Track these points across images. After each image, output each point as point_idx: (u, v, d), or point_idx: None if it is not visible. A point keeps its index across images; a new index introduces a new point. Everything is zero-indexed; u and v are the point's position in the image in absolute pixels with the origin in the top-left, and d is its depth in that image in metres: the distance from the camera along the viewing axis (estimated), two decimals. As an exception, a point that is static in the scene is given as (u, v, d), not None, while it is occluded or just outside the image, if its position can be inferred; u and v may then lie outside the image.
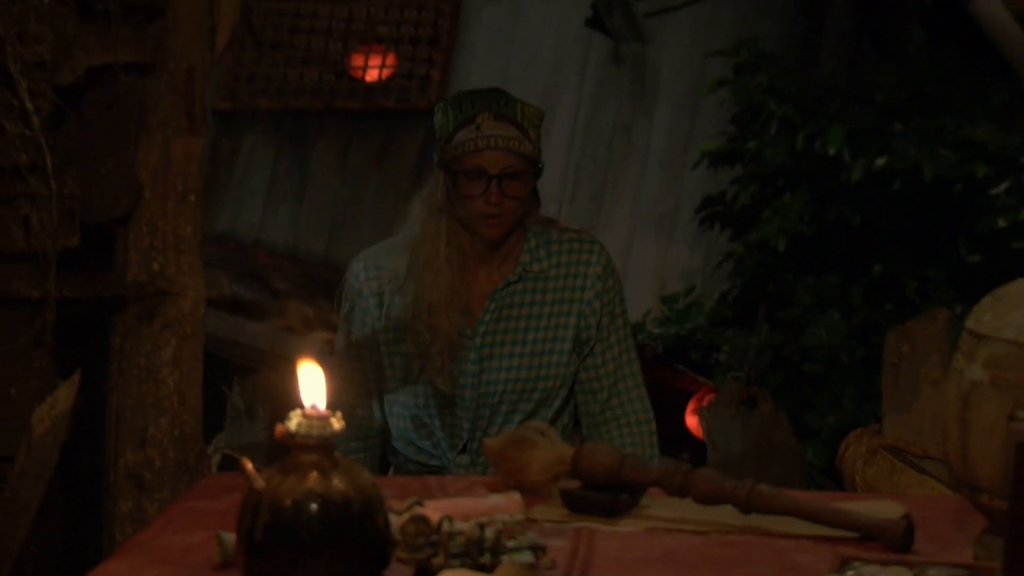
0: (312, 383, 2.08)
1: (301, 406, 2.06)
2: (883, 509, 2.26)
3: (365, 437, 3.49)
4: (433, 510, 2.08)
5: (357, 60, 6.53)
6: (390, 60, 6.51)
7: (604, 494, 2.32)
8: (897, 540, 2.16)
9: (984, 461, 2.03)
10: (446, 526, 2.03)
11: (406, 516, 2.04)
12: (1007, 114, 5.33)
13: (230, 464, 4.34)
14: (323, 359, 3.02)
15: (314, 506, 1.99)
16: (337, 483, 2.01)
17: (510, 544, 2.06)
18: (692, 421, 5.39)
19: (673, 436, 5.25)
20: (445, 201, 3.36)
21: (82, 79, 3.05)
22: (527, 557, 2.06)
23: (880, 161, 5.17)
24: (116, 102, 3.14)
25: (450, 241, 3.36)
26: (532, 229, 3.43)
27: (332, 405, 3.03)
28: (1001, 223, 4.96)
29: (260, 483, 2.02)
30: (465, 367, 3.36)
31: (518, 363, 3.39)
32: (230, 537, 2.08)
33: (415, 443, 3.42)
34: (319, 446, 2.02)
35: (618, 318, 3.47)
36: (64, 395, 2.97)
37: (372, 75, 6.48)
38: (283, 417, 2.06)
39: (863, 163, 5.18)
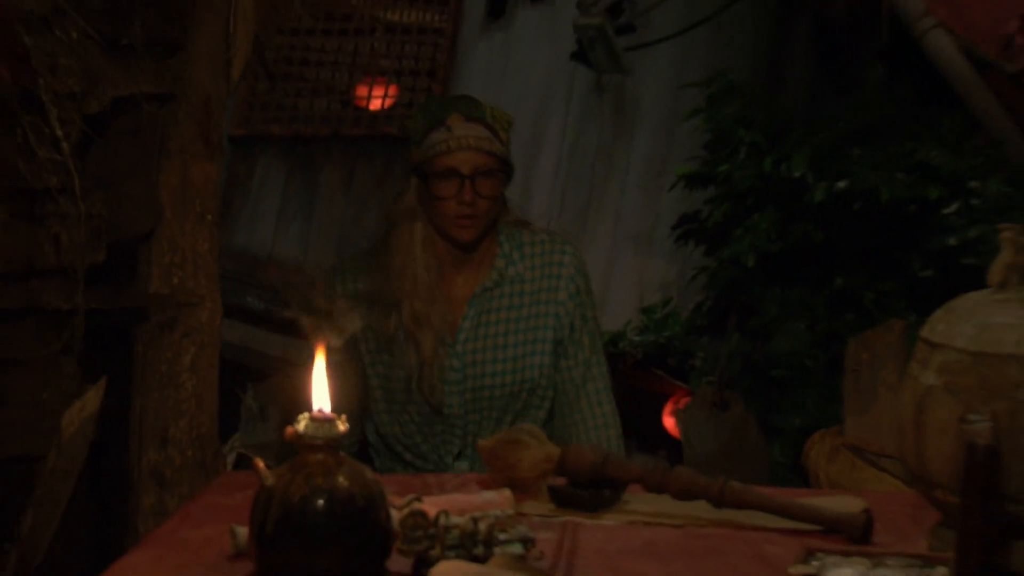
0: (317, 393, 2.08)
1: (309, 410, 2.06)
2: (845, 504, 2.26)
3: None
4: (430, 505, 2.07)
5: (361, 90, 6.53)
6: (392, 90, 6.50)
7: (588, 490, 2.32)
8: (858, 532, 2.16)
9: (938, 460, 2.02)
10: (442, 520, 2.02)
11: (405, 511, 2.03)
12: (957, 141, 5.35)
13: (244, 463, 4.33)
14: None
15: (321, 502, 1.99)
16: (342, 480, 2.01)
17: (502, 537, 2.06)
18: (669, 422, 5.38)
19: (651, 436, 5.26)
20: (418, 206, 3.21)
21: (108, 108, 3.05)
22: (517, 549, 2.06)
23: (841, 184, 5.18)
24: (139, 129, 3.13)
25: (426, 247, 3.21)
26: (504, 232, 3.28)
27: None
28: (952, 241, 4.99)
29: (270, 480, 2.02)
30: (449, 376, 3.22)
31: (502, 368, 3.24)
32: (243, 530, 2.08)
33: (402, 456, 3.28)
34: (325, 446, 2.03)
35: (589, 320, 3.33)
36: (91, 399, 2.97)
37: (375, 104, 6.47)
38: (292, 420, 2.06)
39: (825, 185, 5.19)
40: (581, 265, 3.33)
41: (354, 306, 3.01)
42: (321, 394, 2.06)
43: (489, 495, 2.30)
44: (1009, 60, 5.43)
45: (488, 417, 3.24)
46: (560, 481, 2.35)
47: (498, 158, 3.17)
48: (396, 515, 2.05)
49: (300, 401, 2.11)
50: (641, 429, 3.35)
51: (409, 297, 3.17)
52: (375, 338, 3.22)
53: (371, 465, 3.31)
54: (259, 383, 5.13)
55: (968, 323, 2.05)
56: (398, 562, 2.04)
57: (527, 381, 3.24)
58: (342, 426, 2.03)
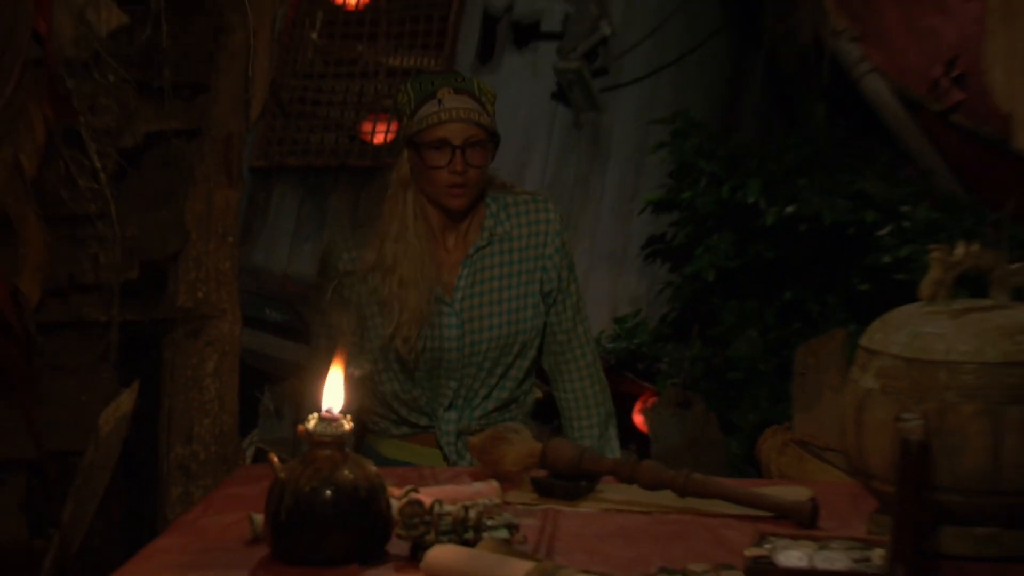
0: (328, 396, 2.07)
1: (319, 410, 2.05)
2: (793, 493, 2.25)
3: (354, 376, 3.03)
4: (426, 495, 2.06)
5: (366, 127, 6.52)
6: (393, 126, 6.46)
7: (567, 481, 2.31)
8: (805, 518, 2.15)
9: (875, 454, 2.02)
10: (437, 508, 2.01)
11: (404, 500, 2.02)
12: (890, 171, 5.39)
13: (262, 456, 4.32)
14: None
15: (328, 492, 1.98)
16: (347, 473, 2.00)
17: (489, 523, 2.05)
18: (639, 419, 5.37)
19: (622, 431, 5.23)
20: (411, 177, 3.02)
21: (141, 142, 3.05)
22: (503, 534, 2.05)
23: (789, 208, 5.19)
24: (168, 161, 3.13)
25: (417, 215, 3.02)
26: (489, 195, 3.10)
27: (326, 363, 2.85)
28: (886, 259, 5.00)
29: (283, 473, 2.01)
30: (448, 332, 3.02)
31: (498, 321, 3.05)
32: (259, 517, 2.07)
33: (398, 411, 3.07)
34: (332, 443, 2.02)
35: (573, 271, 3.16)
36: (125, 400, 2.96)
37: (378, 138, 6.47)
38: (304, 419, 2.05)
39: (775, 210, 5.20)
40: (562, 221, 3.17)
41: (353, 273, 3.02)
42: (330, 397, 2.05)
43: (478, 486, 2.29)
44: (936, 100, 5.44)
45: (481, 368, 3.06)
46: (541, 473, 2.33)
47: (486, 129, 2.99)
48: (395, 504, 2.03)
49: (311, 402, 2.10)
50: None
51: (400, 262, 2.99)
52: (373, 301, 3.04)
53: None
54: (275, 386, 5.13)
55: (902, 333, 2.04)
56: (397, 546, 2.02)
57: (521, 333, 3.07)
58: (347, 425, 2.02)
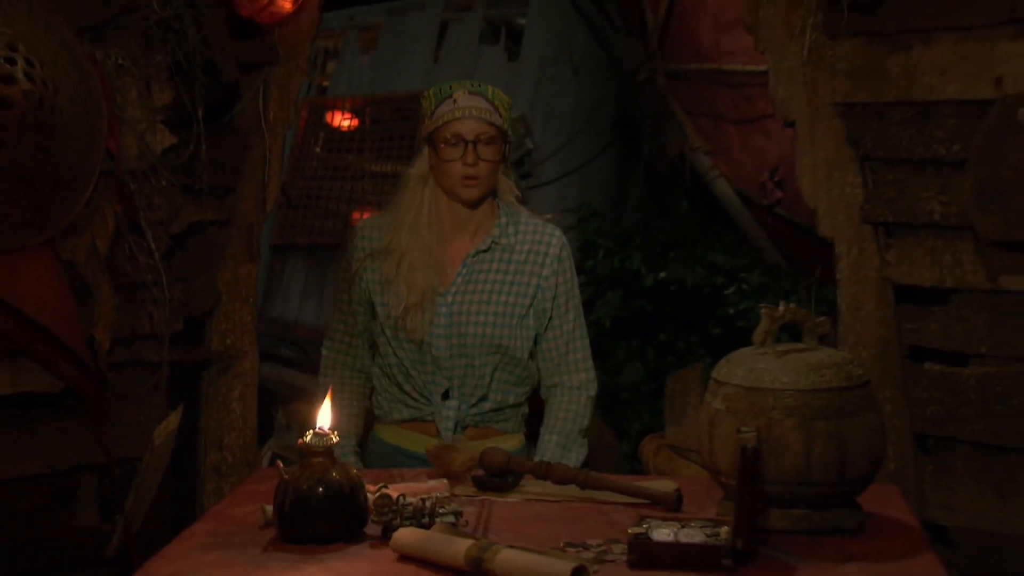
0: (321, 417, 2.03)
1: (314, 427, 2.01)
2: (664, 485, 2.23)
3: (360, 369, 2.71)
4: (393, 490, 2.02)
5: (356, 215, 6.50)
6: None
7: (498, 478, 2.27)
8: (672, 504, 2.13)
9: (723, 456, 2.01)
10: (401, 500, 1.98)
11: (376, 494, 1.98)
12: (733, 247, 5.42)
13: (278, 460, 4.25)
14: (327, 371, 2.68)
15: (320, 489, 1.95)
16: (335, 475, 1.96)
17: (441, 511, 2.02)
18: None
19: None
20: (429, 172, 2.58)
21: (185, 230, 3.02)
22: (451, 519, 2.02)
23: (662, 274, 5.21)
24: (206, 244, 3.11)
25: (431, 209, 2.58)
26: (503, 208, 2.65)
27: (335, 333, 2.68)
28: (731, 311, 5.02)
29: (287, 475, 1.97)
30: (439, 320, 2.57)
31: (484, 320, 2.57)
32: (269, 508, 2.02)
33: (401, 400, 2.64)
34: (324, 452, 1.98)
35: (573, 298, 2.67)
36: (173, 420, 2.92)
37: (365, 224, 6.45)
38: (303, 434, 2.01)
39: (653, 275, 5.21)
40: (567, 248, 2.68)
41: (372, 255, 2.64)
42: (321, 420, 2.01)
43: (433, 483, 2.25)
44: (763, 197, 5.51)
45: (471, 365, 2.59)
46: (480, 472, 2.30)
47: (497, 128, 2.55)
48: (370, 497, 2.00)
49: (311, 420, 2.06)
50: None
51: (412, 249, 2.57)
52: (382, 279, 2.61)
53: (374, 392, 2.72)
54: (287, 406, 5.06)
55: (741, 368, 2.04)
56: (372, 529, 1.99)
57: (505, 338, 2.58)
58: (335, 438, 1.98)
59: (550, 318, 2.65)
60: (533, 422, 2.77)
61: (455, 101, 2.54)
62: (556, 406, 2.70)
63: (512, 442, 2.69)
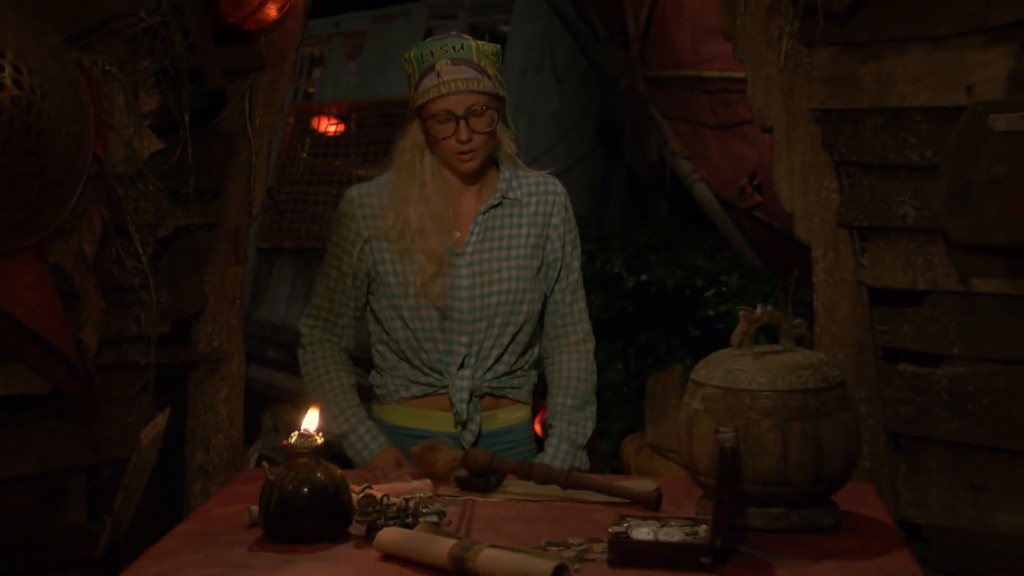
0: (307, 419, 2.02)
1: (299, 430, 2.00)
2: (644, 484, 2.23)
3: (344, 348, 2.53)
4: (377, 490, 2.01)
5: (342, 219, 6.49)
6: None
7: (481, 479, 2.27)
8: (652, 503, 2.12)
9: (702, 456, 2.00)
10: (385, 500, 1.96)
11: (361, 494, 1.97)
12: (713, 250, 5.43)
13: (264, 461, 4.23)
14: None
15: (305, 489, 1.93)
16: (320, 475, 1.95)
17: (424, 511, 2.01)
18: (539, 428, 5.33)
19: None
20: (424, 140, 2.40)
21: (172, 233, 3.01)
22: (434, 519, 2.01)
23: (643, 276, 5.21)
24: (192, 247, 3.10)
25: (435, 173, 2.40)
26: (504, 163, 2.48)
27: (319, 311, 2.49)
28: (711, 313, 5.02)
29: (273, 476, 1.95)
30: (460, 282, 2.41)
31: (507, 275, 2.43)
32: (255, 508, 2.01)
33: (410, 371, 2.47)
34: (309, 453, 1.97)
35: (577, 247, 2.54)
36: (160, 421, 2.90)
37: (351, 227, 6.43)
38: (289, 435, 2.00)
39: (634, 278, 5.21)
40: (568, 197, 2.55)
41: (370, 226, 2.44)
42: (307, 422, 2.00)
43: (416, 483, 2.24)
44: (742, 201, 5.52)
45: (492, 325, 2.43)
46: (463, 473, 2.29)
47: (487, 95, 2.34)
48: (355, 497, 1.99)
49: (296, 422, 2.05)
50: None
51: (423, 218, 2.38)
52: (389, 251, 2.42)
53: (376, 368, 2.53)
54: (274, 408, 5.04)
55: (719, 369, 2.03)
56: (356, 528, 1.98)
57: (528, 291, 2.45)
58: (319, 440, 1.97)
59: (560, 268, 2.52)
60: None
61: (439, 75, 2.33)
62: (565, 365, 2.59)
63: (522, 412, 2.61)
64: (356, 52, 6.86)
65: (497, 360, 2.50)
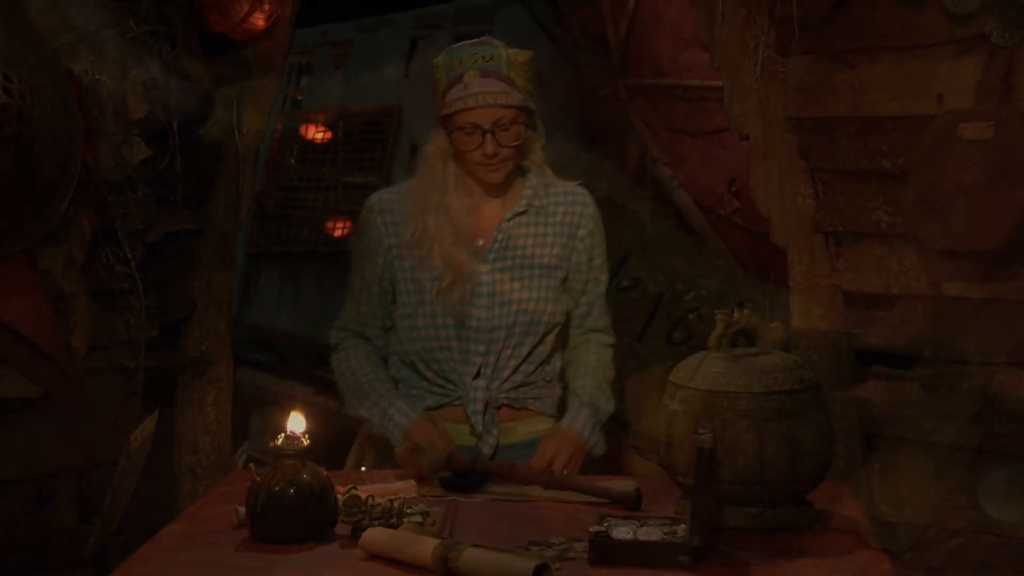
0: (293, 422, 2.02)
1: (285, 432, 2.00)
2: (624, 484, 2.23)
3: (377, 349, 2.45)
4: (362, 491, 2.01)
5: (329, 224, 6.46)
6: (348, 224, 6.44)
7: (464, 479, 2.26)
8: (632, 503, 2.13)
9: (680, 457, 2.01)
10: (370, 501, 1.96)
11: (346, 495, 1.97)
12: (693, 255, 5.42)
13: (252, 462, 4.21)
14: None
15: (291, 491, 1.93)
16: (305, 476, 1.95)
17: (408, 511, 2.01)
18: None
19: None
20: (449, 148, 2.30)
21: (160, 239, 3.00)
22: (418, 519, 2.01)
23: (625, 282, 5.20)
24: (180, 252, 3.09)
25: (457, 181, 2.31)
26: (532, 171, 2.39)
27: (347, 322, 2.41)
28: (691, 317, 5.02)
29: (259, 477, 1.95)
30: (480, 290, 2.32)
31: (529, 284, 2.34)
32: (242, 509, 2.00)
33: (427, 377, 2.39)
34: (295, 455, 1.96)
35: (604, 260, 2.45)
36: (149, 424, 2.90)
37: (338, 233, 6.41)
38: (276, 437, 2.00)
39: (616, 282, 5.21)
40: (597, 210, 2.44)
41: (392, 233, 2.36)
42: (293, 425, 2.00)
43: (400, 484, 2.24)
44: (721, 208, 5.52)
45: (511, 335, 2.34)
46: (446, 474, 2.29)
47: (515, 108, 2.25)
48: (340, 498, 1.98)
49: (283, 424, 2.04)
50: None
51: (443, 226, 2.29)
52: (409, 258, 2.34)
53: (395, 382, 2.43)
54: (262, 409, 5.01)
55: (697, 372, 2.04)
56: (342, 528, 1.97)
57: (550, 300, 2.36)
58: (305, 442, 1.97)
59: (585, 281, 2.43)
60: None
61: (466, 86, 2.24)
62: (585, 356, 2.50)
63: (545, 425, 2.45)
64: (343, 60, 6.85)
65: (514, 371, 2.40)
